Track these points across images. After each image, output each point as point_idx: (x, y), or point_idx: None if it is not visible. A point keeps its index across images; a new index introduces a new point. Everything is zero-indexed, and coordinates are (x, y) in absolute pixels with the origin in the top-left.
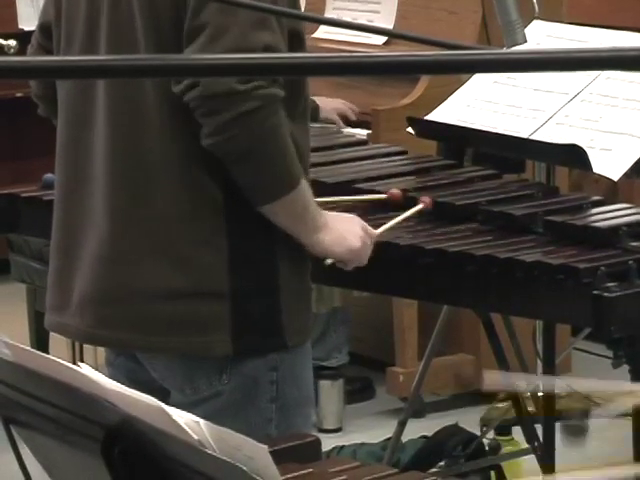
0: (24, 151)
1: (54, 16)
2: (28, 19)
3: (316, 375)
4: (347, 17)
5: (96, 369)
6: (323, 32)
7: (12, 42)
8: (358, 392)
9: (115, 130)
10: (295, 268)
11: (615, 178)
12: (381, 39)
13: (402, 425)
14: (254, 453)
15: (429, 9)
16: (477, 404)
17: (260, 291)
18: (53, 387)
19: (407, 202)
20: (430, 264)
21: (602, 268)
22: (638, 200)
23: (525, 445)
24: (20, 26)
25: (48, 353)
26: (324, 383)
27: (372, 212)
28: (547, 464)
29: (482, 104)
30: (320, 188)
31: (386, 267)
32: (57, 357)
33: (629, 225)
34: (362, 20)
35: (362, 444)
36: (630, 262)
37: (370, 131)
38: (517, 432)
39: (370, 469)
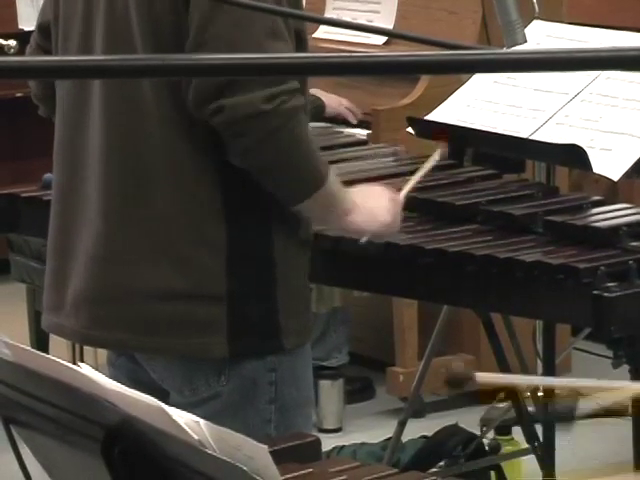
0: (24, 151)
1: (52, 16)
2: (28, 19)
3: (316, 375)
4: (347, 17)
5: (96, 369)
6: (323, 32)
7: (12, 42)
8: (358, 392)
9: (112, 130)
10: (293, 270)
11: (615, 178)
12: (381, 39)
13: (402, 425)
14: (254, 453)
15: (429, 9)
16: (477, 404)
17: (258, 293)
18: (53, 387)
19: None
20: (430, 264)
21: (602, 268)
22: (638, 200)
23: (525, 445)
24: (20, 26)
25: (48, 353)
26: (324, 383)
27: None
28: (547, 464)
29: (482, 104)
30: None
31: (386, 267)
32: (57, 357)
33: (629, 225)
34: (362, 20)
35: (362, 444)
36: (630, 262)
37: (370, 131)
38: (517, 432)
39: (370, 469)
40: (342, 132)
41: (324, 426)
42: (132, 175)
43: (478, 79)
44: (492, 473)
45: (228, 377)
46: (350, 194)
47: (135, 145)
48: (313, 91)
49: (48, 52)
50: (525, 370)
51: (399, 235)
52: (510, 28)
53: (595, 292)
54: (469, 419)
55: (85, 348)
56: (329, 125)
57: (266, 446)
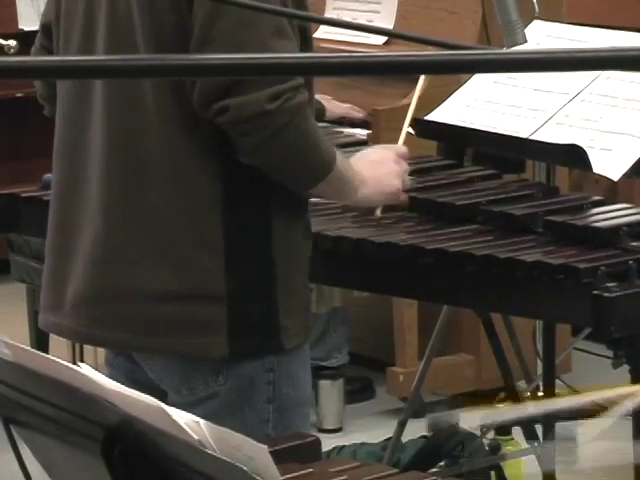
0: (24, 151)
1: (54, 16)
2: (28, 19)
3: (316, 375)
4: (347, 17)
5: (96, 369)
6: (323, 32)
7: (12, 42)
8: (358, 392)
9: (113, 130)
10: (293, 269)
11: (615, 178)
12: (381, 39)
13: (402, 425)
14: (254, 453)
15: (429, 9)
16: (477, 404)
17: (258, 293)
18: (53, 387)
19: None
20: (430, 264)
21: (602, 268)
22: (638, 200)
23: (525, 445)
24: (20, 26)
25: (48, 353)
26: (324, 383)
27: None
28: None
29: (482, 104)
30: None
31: (386, 267)
32: (57, 357)
33: (629, 225)
34: (362, 20)
35: (362, 444)
36: (630, 262)
37: (370, 131)
38: (517, 432)
39: (370, 469)
40: (342, 132)
41: (324, 426)
42: (132, 175)
43: (478, 79)
44: (492, 473)
45: (226, 377)
46: (357, 167)
47: (136, 145)
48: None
49: (52, 52)
50: (525, 370)
51: (399, 235)
52: (510, 28)
53: (595, 292)
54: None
55: (85, 348)
56: (329, 125)
57: (266, 446)
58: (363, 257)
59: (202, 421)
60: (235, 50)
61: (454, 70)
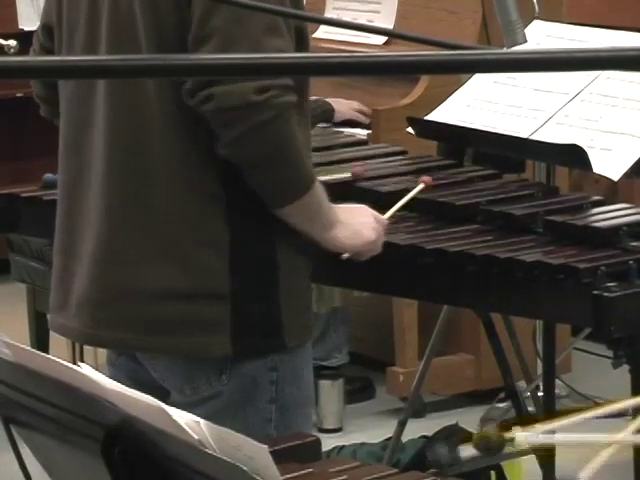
0: (24, 151)
1: (56, 17)
2: (28, 19)
3: (316, 375)
4: (347, 17)
5: (96, 369)
6: (323, 32)
7: (12, 42)
8: (358, 392)
9: (116, 131)
10: (296, 269)
11: (615, 178)
12: (381, 39)
13: (402, 425)
14: (254, 453)
15: (429, 9)
16: (477, 404)
17: (260, 292)
18: (53, 387)
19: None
20: (430, 264)
21: (602, 268)
22: (638, 200)
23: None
24: (20, 26)
25: (48, 353)
26: (324, 383)
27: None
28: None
29: (482, 104)
30: None
31: (386, 267)
32: (57, 357)
33: (629, 225)
34: (362, 20)
35: (362, 444)
36: (630, 262)
37: (370, 131)
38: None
39: (370, 469)
40: (342, 132)
41: (324, 426)
42: (135, 175)
43: (478, 79)
44: (492, 473)
45: (229, 376)
46: (335, 209)
47: (138, 145)
48: (323, 96)
49: (52, 53)
50: (525, 370)
51: (399, 235)
52: (510, 28)
53: (595, 292)
54: (469, 419)
55: (85, 348)
56: (329, 125)
57: (266, 446)
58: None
59: (202, 421)
60: (228, 46)
61: (454, 70)
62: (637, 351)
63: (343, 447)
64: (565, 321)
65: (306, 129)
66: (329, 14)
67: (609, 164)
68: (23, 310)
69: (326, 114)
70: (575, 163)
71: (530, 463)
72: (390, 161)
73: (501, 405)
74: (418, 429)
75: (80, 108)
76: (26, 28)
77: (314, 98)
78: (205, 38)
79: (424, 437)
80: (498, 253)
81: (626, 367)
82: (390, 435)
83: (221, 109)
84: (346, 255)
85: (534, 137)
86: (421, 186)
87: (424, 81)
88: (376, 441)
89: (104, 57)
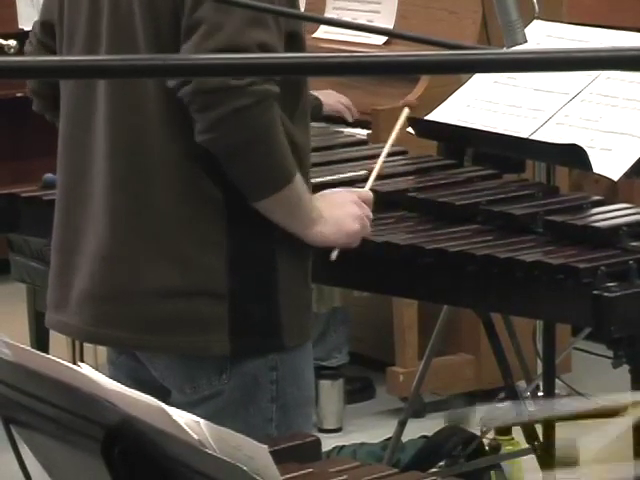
0: (24, 151)
1: (57, 15)
2: (28, 19)
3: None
4: (347, 17)
5: (96, 369)
6: (323, 32)
7: (12, 42)
8: (358, 392)
9: (116, 129)
10: (295, 269)
11: (615, 178)
12: (381, 39)
13: (402, 425)
14: (254, 453)
15: (429, 9)
16: (477, 404)
17: (259, 291)
18: (53, 387)
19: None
20: (430, 264)
21: (602, 268)
22: (638, 200)
23: (525, 445)
24: (20, 26)
25: (48, 353)
26: (324, 383)
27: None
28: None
29: (482, 104)
30: (320, 189)
31: (386, 267)
32: (57, 357)
33: (629, 225)
34: (362, 20)
35: (362, 444)
36: (630, 262)
37: (370, 131)
38: (517, 432)
39: (370, 469)
40: (342, 132)
41: (324, 426)
42: (136, 174)
43: (478, 79)
44: (492, 473)
45: (230, 375)
46: (317, 204)
47: (139, 144)
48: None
49: (51, 49)
50: (525, 370)
51: (399, 235)
52: (510, 28)
53: (595, 292)
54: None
55: (85, 347)
56: (329, 125)
57: (266, 446)
58: (363, 257)
59: (202, 421)
60: (214, 32)
61: (454, 70)
62: (637, 351)
63: (343, 447)
64: (565, 321)
65: (305, 129)
66: (329, 14)
67: (609, 164)
68: (23, 310)
69: (315, 110)
70: (575, 163)
71: (530, 463)
72: (390, 161)
73: (501, 405)
74: (418, 429)
75: (80, 108)
76: (26, 28)
77: None
78: (193, 27)
79: (424, 437)
80: (498, 253)
81: (626, 367)
82: (390, 435)
83: (200, 90)
84: (335, 255)
85: (534, 137)
86: (406, 111)
87: (424, 81)
88: (376, 441)
89: (104, 57)
